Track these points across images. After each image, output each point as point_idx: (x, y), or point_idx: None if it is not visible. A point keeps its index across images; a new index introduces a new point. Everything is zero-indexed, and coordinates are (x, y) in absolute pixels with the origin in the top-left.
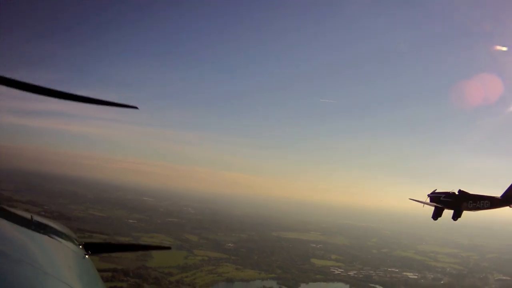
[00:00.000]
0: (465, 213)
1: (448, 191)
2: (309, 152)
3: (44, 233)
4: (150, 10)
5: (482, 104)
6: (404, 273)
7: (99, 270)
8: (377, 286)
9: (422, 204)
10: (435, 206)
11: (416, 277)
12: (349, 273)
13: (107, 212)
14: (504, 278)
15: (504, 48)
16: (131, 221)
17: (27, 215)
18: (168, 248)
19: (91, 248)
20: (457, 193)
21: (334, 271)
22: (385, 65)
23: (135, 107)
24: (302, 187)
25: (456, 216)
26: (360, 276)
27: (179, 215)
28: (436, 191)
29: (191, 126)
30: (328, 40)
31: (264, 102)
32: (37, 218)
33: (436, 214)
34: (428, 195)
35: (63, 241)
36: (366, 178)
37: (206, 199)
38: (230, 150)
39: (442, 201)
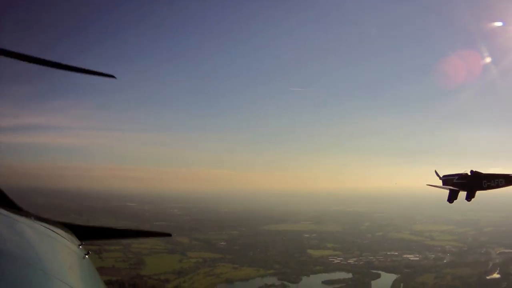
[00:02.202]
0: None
1: (460, 172)
2: (289, 142)
3: (44, 234)
4: (123, 12)
5: (468, 79)
6: (405, 256)
7: None
8: (379, 271)
9: (440, 188)
10: (450, 190)
11: (417, 258)
12: (348, 261)
13: (93, 222)
14: (506, 251)
15: (499, 24)
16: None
17: (28, 215)
18: (169, 235)
19: (85, 234)
20: (469, 174)
21: (333, 261)
22: (370, 43)
23: (112, 76)
24: (284, 177)
25: (470, 197)
26: (361, 263)
27: (166, 218)
28: (446, 173)
29: (167, 127)
30: (309, 29)
31: (242, 96)
32: (37, 218)
33: (452, 197)
34: (440, 178)
35: (63, 241)
36: (349, 162)
37: (189, 198)
38: (206, 147)
39: (456, 183)
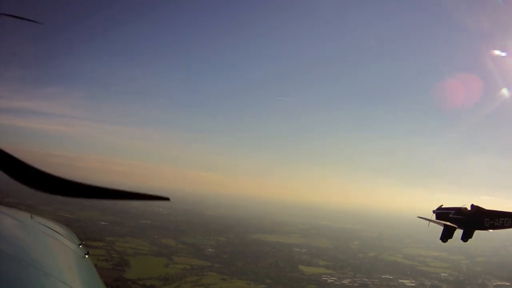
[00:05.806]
0: None
1: (459, 206)
2: (276, 150)
3: (44, 233)
4: (122, 5)
5: (466, 104)
6: (400, 281)
7: None
8: None
9: (430, 222)
10: (445, 226)
11: (413, 284)
12: (343, 281)
13: (77, 214)
14: (502, 283)
15: (503, 54)
16: (103, 223)
17: (27, 215)
18: (167, 199)
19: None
20: (469, 208)
21: (327, 280)
22: (368, 55)
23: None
24: (270, 185)
25: (467, 237)
26: (356, 285)
27: (152, 217)
28: (442, 206)
29: (157, 124)
30: (304, 39)
31: (235, 100)
32: (37, 217)
33: (446, 235)
34: (434, 211)
35: (63, 240)
36: (334, 176)
37: (176, 198)
38: (193, 148)
39: (451, 219)
